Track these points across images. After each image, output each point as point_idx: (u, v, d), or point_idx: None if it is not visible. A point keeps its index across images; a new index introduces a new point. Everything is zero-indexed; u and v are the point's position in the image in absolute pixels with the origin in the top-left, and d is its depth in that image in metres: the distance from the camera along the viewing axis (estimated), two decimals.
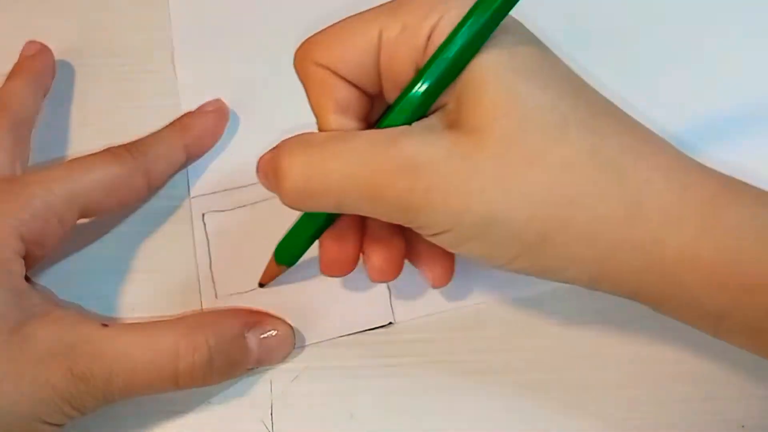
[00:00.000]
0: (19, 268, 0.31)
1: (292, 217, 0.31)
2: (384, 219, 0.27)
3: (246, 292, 0.35)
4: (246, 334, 0.32)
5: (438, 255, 0.31)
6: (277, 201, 0.28)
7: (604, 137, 0.26)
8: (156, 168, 0.36)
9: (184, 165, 0.38)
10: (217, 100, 0.39)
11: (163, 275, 0.36)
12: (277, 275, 0.34)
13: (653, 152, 0.27)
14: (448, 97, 0.27)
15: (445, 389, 0.34)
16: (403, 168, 0.26)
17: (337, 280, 0.35)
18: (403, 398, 0.34)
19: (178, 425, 0.33)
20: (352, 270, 0.31)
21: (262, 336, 0.33)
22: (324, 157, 0.26)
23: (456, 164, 0.25)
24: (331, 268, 0.31)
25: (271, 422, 0.33)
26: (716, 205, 0.26)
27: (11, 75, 0.38)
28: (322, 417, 0.34)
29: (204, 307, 0.35)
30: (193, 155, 0.38)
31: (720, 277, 0.26)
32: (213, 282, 0.36)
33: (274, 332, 0.33)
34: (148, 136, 0.37)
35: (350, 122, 0.28)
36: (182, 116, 0.38)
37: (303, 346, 0.35)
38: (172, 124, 0.38)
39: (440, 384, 0.34)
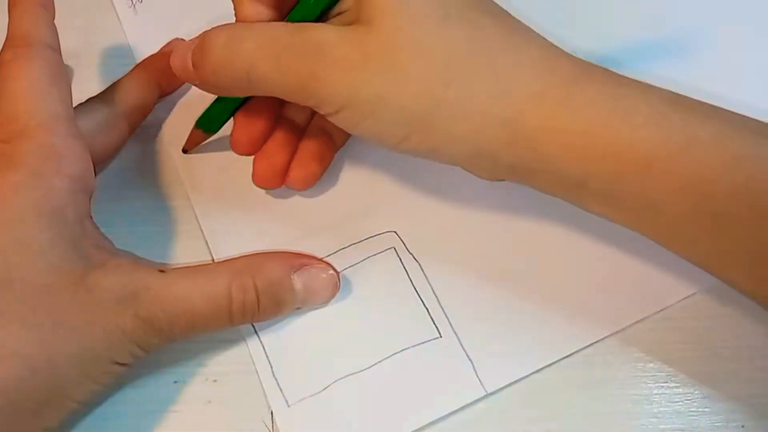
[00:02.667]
0: (72, 213, 0.31)
1: None
2: (287, 96, 0.31)
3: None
4: (291, 276, 0.33)
5: (311, 157, 0.36)
6: None
7: (481, 28, 0.30)
8: (135, 110, 0.38)
9: (157, 101, 0.39)
10: (177, 39, 0.40)
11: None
12: (201, 142, 0.38)
13: (525, 41, 0.31)
14: (348, 2, 0.32)
15: None
16: (309, 48, 0.30)
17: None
18: None
19: (178, 425, 0.33)
20: (257, 150, 0.36)
21: (307, 278, 0.34)
22: (244, 32, 0.31)
23: (352, 49, 0.30)
24: (239, 145, 0.36)
25: (271, 422, 0.33)
26: (577, 84, 0.30)
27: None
28: None
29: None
30: (165, 92, 0.40)
31: (576, 146, 0.29)
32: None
33: (319, 274, 0.34)
34: (120, 81, 0.38)
35: (264, 9, 0.33)
36: (148, 57, 0.40)
37: None
38: (140, 65, 0.39)
39: None
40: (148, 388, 0.34)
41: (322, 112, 0.32)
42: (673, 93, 0.30)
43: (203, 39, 0.32)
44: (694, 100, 0.30)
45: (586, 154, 0.29)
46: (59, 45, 0.34)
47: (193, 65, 0.32)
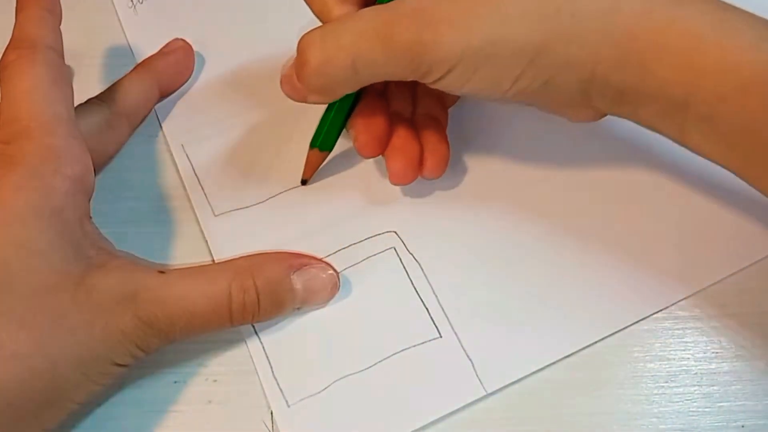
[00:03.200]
0: (72, 214, 0.31)
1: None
2: (397, 73, 0.31)
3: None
4: (291, 276, 0.33)
5: (438, 142, 0.36)
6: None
7: None
8: (135, 111, 0.38)
9: (157, 102, 0.40)
10: (177, 39, 0.41)
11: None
12: (318, 165, 0.37)
13: None
14: None
15: None
16: (409, 18, 0.30)
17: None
18: None
19: (178, 425, 0.33)
20: (384, 149, 0.36)
21: (306, 278, 0.34)
22: (336, 29, 0.31)
23: (453, 4, 0.30)
24: (368, 147, 0.35)
25: (271, 422, 0.33)
26: (683, 2, 0.30)
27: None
28: None
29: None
30: (165, 92, 0.40)
31: (682, 65, 0.30)
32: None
33: (319, 274, 0.34)
34: (120, 81, 0.38)
35: (352, 8, 0.33)
36: (148, 57, 0.40)
37: None
38: (140, 65, 0.40)
39: None
40: (149, 388, 0.34)
41: (430, 80, 0.32)
42: None
43: (300, 49, 0.32)
44: None
45: (690, 73, 0.30)
46: (63, 49, 0.34)
47: (297, 77, 0.32)
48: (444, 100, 0.38)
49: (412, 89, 0.37)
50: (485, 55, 0.30)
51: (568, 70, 0.31)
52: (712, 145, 0.31)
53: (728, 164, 0.32)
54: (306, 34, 0.32)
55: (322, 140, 0.36)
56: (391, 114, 0.36)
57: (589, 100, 0.32)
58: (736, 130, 0.30)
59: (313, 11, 0.34)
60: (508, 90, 0.32)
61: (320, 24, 0.34)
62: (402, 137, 0.36)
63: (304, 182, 0.38)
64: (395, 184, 0.36)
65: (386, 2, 0.32)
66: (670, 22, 0.30)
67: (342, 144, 0.38)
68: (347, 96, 0.34)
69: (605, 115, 0.34)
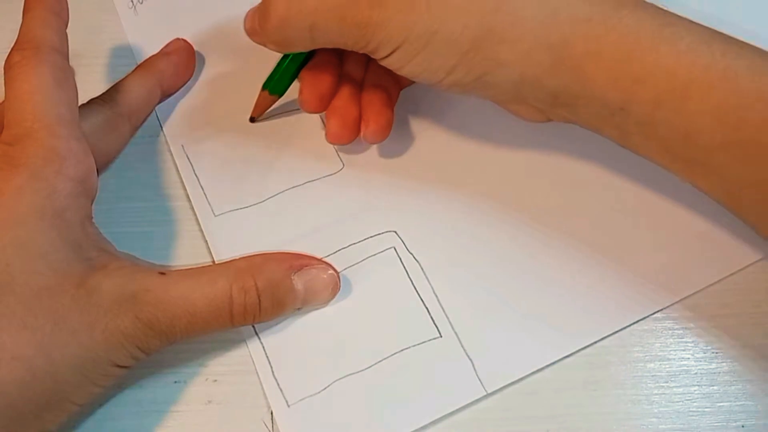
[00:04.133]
0: (74, 216, 0.31)
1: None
2: (348, 45, 0.33)
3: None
4: (292, 277, 0.34)
5: (380, 109, 0.37)
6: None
7: None
8: (137, 111, 0.38)
9: (158, 102, 0.40)
10: (178, 39, 0.41)
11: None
12: (267, 107, 0.39)
13: None
14: None
15: None
16: None
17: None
18: None
19: (178, 425, 0.33)
20: (326, 107, 0.37)
21: (307, 279, 0.34)
22: None
23: None
24: (309, 102, 0.37)
25: (271, 422, 0.33)
26: (624, 8, 0.31)
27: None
28: None
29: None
30: (166, 92, 0.40)
31: (620, 70, 0.30)
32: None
33: (319, 275, 0.34)
34: (122, 81, 0.38)
35: None
36: (149, 57, 0.40)
37: None
38: (141, 65, 0.40)
39: None
40: (149, 388, 0.34)
41: (377, 56, 0.33)
42: (712, 28, 0.31)
43: (263, 4, 0.33)
44: (731, 36, 0.31)
45: (629, 78, 0.30)
46: (68, 51, 0.34)
47: (258, 25, 0.34)
48: (397, 76, 0.38)
49: (367, 56, 0.37)
50: (424, 42, 0.32)
51: (498, 68, 0.32)
52: (653, 149, 0.32)
53: (670, 167, 0.32)
54: None
55: (274, 84, 0.38)
56: (342, 75, 0.38)
57: (524, 99, 0.33)
58: (675, 134, 0.31)
59: None
60: (443, 79, 0.33)
61: None
62: (344, 99, 0.37)
63: (252, 120, 0.39)
64: (331, 143, 0.38)
65: None
66: (607, 30, 0.31)
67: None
68: None
69: (549, 118, 0.34)
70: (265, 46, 0.35)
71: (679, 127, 0.30)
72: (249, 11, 0.35)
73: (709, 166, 0.31)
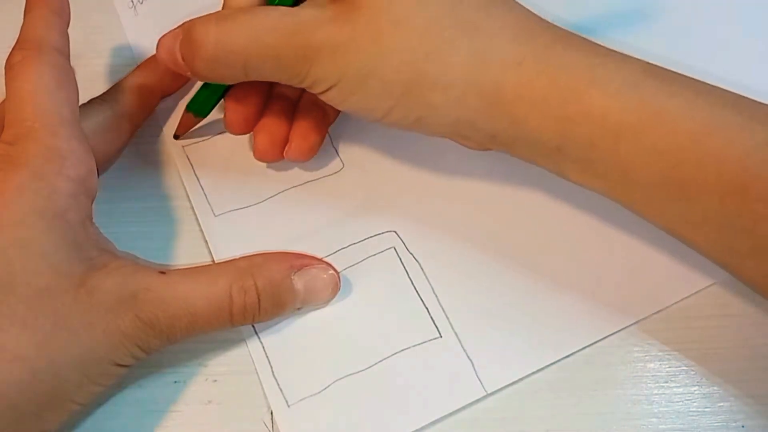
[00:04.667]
0: (74, 216, 0.31)
1: None
2: (282, 81, 0.33)
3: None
4: (292, 277, 0.34)
5: (309, 129, 0.37)
6: None
7: (460, 1, 0.31)
8: (137, 111, 0.38)
9: (158, 102, 0.40)
10: None
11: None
12: (190, 127, 0.39)
13: (504, 11, 0.32)
14: None
15: None
16: (299, 31, 0.31)
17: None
18: None
19: (178, 425, 0.33)
20: (252, 128, 0.37)
21: (307, 278, 0.34)
22: (234, 27, 0.32)
23: (340, 28, 0.31)
24: (233, 125, 0.37)
25: (271, 422, 0.33)
26: (554, 51, 0.31)
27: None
28: None
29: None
30: (167, 92, 0.40)
31: (553, 114, 0.30)
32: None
33: (319, 275, 0.34)
34: (122, 81, 0.38)
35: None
36: (150, 57, 0.40)
37: None
38: (142, 65, 0.39)
39: None
40: (149, 388, 0.34)
41: (314, 92, 0.33)
42: (648, 63, 0.31)
43: (191, 33, 0.32)
44: (668, 70, 0.31)
45: (562, 121, 0.30)
46: (69, 51, 0.34)
47: (183, 59, 0.33)
48: None
49: None
50: (359, 83, 0.32)
51: (433, 111, 0.32)
52: (591, 183, 0.32)
53: (611, 197, 0.32)
54: (199, 22, 0.32)
55: (198, 107, 0.37)
56: (275, 94, 0.37)
57: (464, 139, 0.33)
58: (612, 171, 0.31)
59: None
60: (382, 118, 0.33)
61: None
62: (273, 116, 0.37)
63: (176, 137, 0.39)
64: (258, 160, 0.38)
65: (278, 4, 0.33)
66: (538, 73, 0.31)
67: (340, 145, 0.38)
68: None
69: (491, 149, 0.34)
70: (189, 78, 0.34)
71: (616, 165, 0.30)
72: (162, 38, 0.34)
73: (650, 204, 0.31)
